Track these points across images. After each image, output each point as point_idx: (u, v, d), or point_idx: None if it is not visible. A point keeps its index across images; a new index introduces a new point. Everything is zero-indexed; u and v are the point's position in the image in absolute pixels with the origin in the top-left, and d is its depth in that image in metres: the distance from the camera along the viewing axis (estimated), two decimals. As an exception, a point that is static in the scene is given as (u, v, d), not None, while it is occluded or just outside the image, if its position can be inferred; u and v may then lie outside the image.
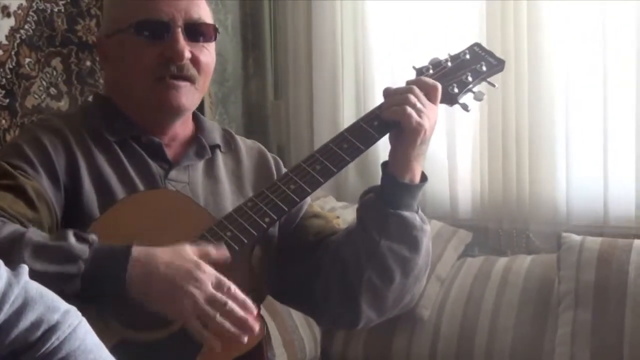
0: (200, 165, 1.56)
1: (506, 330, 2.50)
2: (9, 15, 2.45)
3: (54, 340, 1.02)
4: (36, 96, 2.52)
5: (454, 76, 1.61)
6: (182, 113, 1.53)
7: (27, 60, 2.50)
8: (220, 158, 1.60)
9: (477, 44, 1.68)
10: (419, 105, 1.48)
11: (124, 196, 1.44)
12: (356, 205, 1.56)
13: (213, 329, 1.28)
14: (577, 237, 2.51)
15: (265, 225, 1.40)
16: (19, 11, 2.48)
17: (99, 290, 1.26)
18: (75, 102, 2.59)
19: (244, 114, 3.18)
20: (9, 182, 1.38)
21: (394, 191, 1.50)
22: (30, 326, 1.02)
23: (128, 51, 1.50)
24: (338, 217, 1.67)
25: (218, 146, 1.60)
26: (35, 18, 2.52)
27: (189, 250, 1.31)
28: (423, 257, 1.53)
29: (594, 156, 2.71)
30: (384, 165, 1.54)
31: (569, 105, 2.73)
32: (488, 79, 1.66)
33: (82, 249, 1.27)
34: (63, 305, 1.06)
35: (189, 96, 1.51)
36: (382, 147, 1.60)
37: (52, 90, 2.56)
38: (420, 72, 1.62)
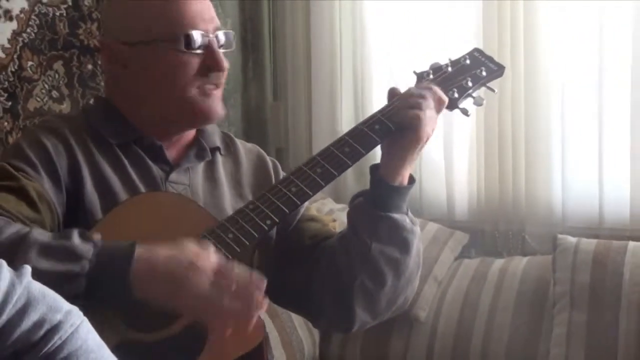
0: (200, 167, 1.56)
1: (502, 331, 2.51)
2: (11, 18, 2.46)
3: (56, 340, 1.02)
4: (38, 99, 2.52)
5: (455, 81, 1.61)
6: (216, 121, 1.54)
7: (30, 63, 2.51)
8: (220, 161, 1.60)
9: (477, 49, 1.68)
10: (430, 113, 1.50)
11: (126, 198, 1.44)
12: (354, 208, 1.57)
13: (224, 315, 1.28)
14: (572, 239, 2.52)
15: (266, 228, 1.40)
16: (22, 15, 2.48)
17: (103, 289, 1.25)
18: (77, 105, 2.59)
19: (244, 117, 3.17)
20: (11, 183, 1.38)
21: (384, 194, 1.51)
22: (32, 326, 1.01)
23: (164, 62, 1.47)
24: (334, 221, 1.68)
25: (218, 149, 1.60)
26: (38, 22, 2.52)
27: (190, 243, 1.31)
28: (414, 258, 1.54)
29: (590, 158, 2.71)
30: (373, 168, 1.55)
31: (565, 107, 2.73)
32: (487, 84, 1.67)
33: (87, 249, 1.26)
34: (65, 305, 1.05)
35: (220, 103, 1.52)
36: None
37: (54, 93, 2.57)
38: (421, 76, 1.62)
